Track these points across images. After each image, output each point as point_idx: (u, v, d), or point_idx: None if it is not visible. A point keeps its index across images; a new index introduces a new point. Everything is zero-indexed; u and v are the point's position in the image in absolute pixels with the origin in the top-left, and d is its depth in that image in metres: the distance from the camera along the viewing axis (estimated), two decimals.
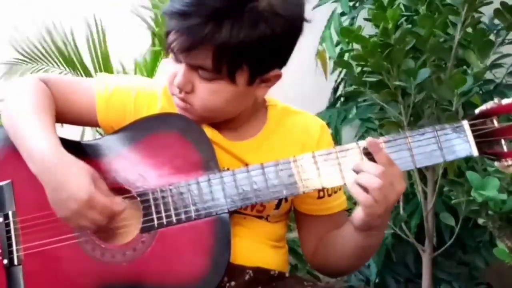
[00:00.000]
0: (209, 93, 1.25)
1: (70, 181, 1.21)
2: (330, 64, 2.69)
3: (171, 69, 1.27)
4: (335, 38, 2.53)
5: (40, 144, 1.24)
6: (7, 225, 1.29)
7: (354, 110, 2.57)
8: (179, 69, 1.25)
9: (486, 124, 1.20)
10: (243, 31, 1.18)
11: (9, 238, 1.28)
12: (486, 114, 1.21)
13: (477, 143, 1.20)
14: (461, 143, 1.20)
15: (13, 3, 2.77)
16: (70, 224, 1.24)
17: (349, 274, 2.47)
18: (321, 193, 1.35)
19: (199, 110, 1.27)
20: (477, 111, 1.22)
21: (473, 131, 1.20)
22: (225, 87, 1.24)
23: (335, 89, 2.68)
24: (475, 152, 1.20)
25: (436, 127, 1.21)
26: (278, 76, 1.29)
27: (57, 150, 1.24)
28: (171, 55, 1.27)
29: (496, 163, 1.21)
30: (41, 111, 1.30)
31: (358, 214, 1.21)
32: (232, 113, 1.31)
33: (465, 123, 1.21)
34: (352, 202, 1.22)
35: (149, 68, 2.35)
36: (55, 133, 1.28)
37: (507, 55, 2.20)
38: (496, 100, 1.20)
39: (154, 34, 2.36)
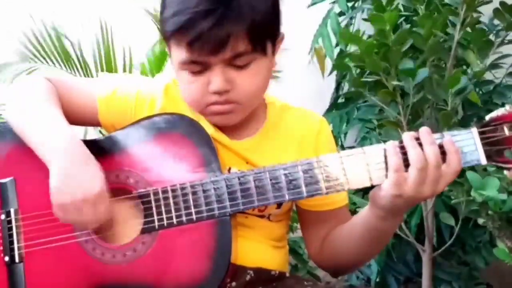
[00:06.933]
0: (252, 78, 1.25)
1: (85, 172, 1.21)
2: (327, 62, 2.69)
3: (194, 85, 1.26)
4: (332, 37, 2.53)
5: (57, 130, 1.25)
6: (9, 222, 1.29)
7: (355, 113, 2.56)
8: (211, 75, 1.24)
9: (496, 131, 1.17)
10: (262, 1, 1.23)
11: (10, 236, 1.28)
12: (497, 121, 1.17)
13: (486, 151, 1.16)
14: (469, 150, 1.17)
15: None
16: (60, 216, 1.22)
17: (354, 270, 2.44)
18: None
19: (245, 101, 1.27)
20: (487, 117, 1.18)
21: (482, 139, 1.16)
22: (261, 63, 1.26)
23: (337, 89, 2.68)
24: (483, 160, 1.16)
25: (443, 133, 1.18)
26: (283, 38, 1.31)
27: (75, 138, 1.25)
28: (185, 71, 1.25)
29: (505, 172, 1.17)
30: (53, 103, 1.31)
31: (385, 187, 1.17)
32: (265, 91, 1.33)
33: (474, 130, 1.17)
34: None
35: (156, 66, 2.34)
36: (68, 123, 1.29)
37: (507, 55, 2.20)
38: (507, 107, 1.17)
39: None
